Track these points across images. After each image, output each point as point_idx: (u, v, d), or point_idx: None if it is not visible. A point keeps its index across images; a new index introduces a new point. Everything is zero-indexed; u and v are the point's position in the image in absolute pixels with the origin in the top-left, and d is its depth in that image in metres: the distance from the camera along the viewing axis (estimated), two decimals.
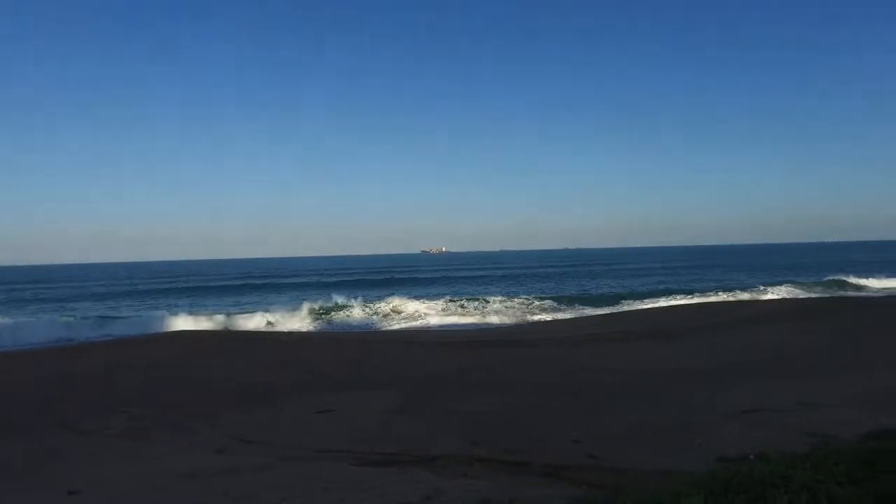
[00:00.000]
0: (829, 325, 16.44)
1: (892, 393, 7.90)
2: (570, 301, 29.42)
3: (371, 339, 18.43)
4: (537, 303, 28.77)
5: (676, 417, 7.03)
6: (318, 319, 25.42)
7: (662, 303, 27.65)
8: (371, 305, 27.86)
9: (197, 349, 15.66)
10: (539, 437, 6.45)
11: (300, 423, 7.62)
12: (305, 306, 26.35)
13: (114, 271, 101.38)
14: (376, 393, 9.23)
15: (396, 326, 23.94)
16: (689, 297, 29.75)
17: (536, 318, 24.83)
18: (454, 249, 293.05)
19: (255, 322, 23.85)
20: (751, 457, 4.00)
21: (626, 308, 26.47)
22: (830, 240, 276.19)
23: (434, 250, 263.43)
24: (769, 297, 29.34)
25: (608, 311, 25.23)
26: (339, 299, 28.98)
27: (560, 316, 24.94)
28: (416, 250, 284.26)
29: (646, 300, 29.21)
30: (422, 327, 23.34)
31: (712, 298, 28.85)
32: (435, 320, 24.92)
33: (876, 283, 34.86)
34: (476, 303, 28.49)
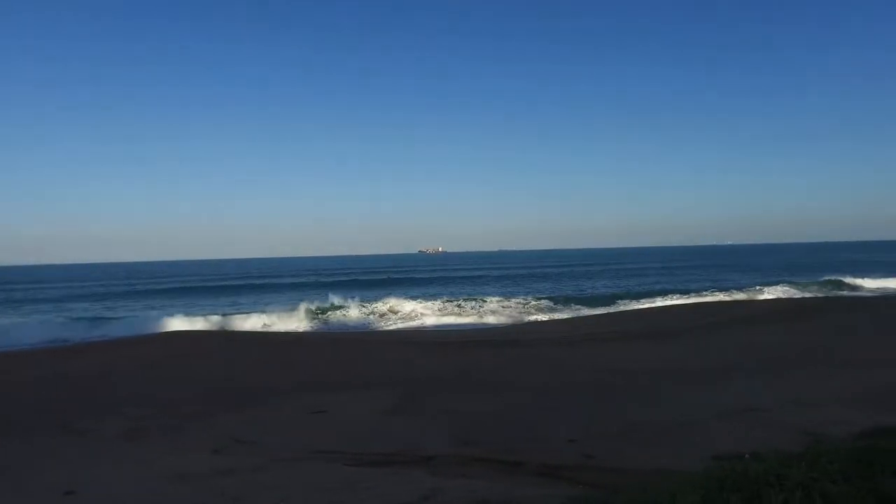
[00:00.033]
0: (824, 325, 16.51)
1: (886, 392, 7.93)
2: (566, 301, 29.45)
3: (367, 340, 18.42)
4: (534, 303, 28.80)
5: (672, 417, 7.05)
6: (314, 320, 25.41)
7: (659, 303, 27.72)
8: (368, 305, 27.84)
9: (193, 350, 15.63)
10: (535, 436, 6.45)
11: (296, 423, 7.61)
12: (302, 306, 26.33)
13: (110, 271, 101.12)
14: (372, 393, 9.22)
15: (393, 327, 23.94)
16: (686, 297, 29.82)
17: (533, 318, 24.85)
18: (451, 250, 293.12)
19: (251, 322, 23.82)
20: (746, 456, 4.00)
21: (622, 308, 26.52)
22: (831, 240, 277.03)
23: (431, 250, 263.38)
24: (765, 296, 29.44)
25: (604, 312, 25.27)
26: (336, 299, 28.97)
27: (557, 316, 24.97)
28: (414, 250, 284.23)
29: (642, 300, 29.26)
30: (418, 327, 23.34)
31: (708, 298, 28.93)
32: (432, 320, 24.92)
33: (871, 284, 35.01)
34: (473, 303, 28.51)
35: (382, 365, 12.47)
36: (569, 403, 8.18)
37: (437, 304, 28.34)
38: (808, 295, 30.30)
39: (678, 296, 30.37)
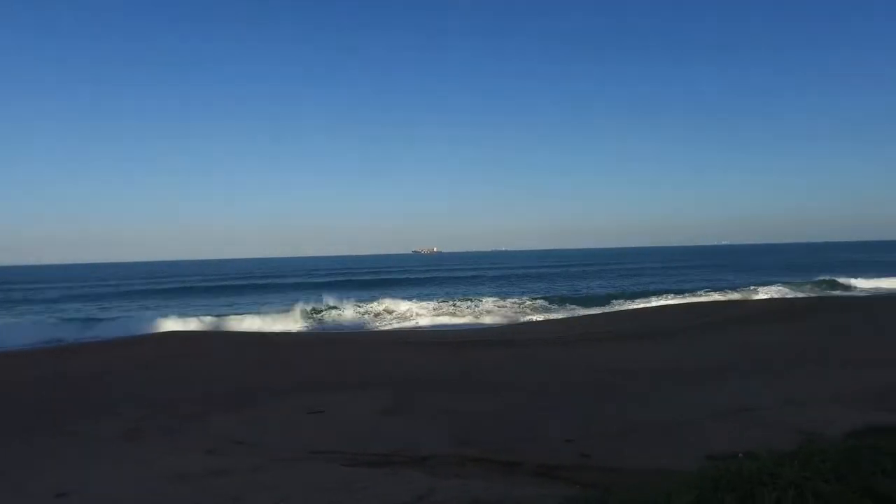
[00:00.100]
0: (817, 325, 16.61)
1: (879, 391, 7.99)
2: (561, 301, 29.52)
3: (363, 340, 18.41)
4: (529, 303, 28.85)
5: (667, 417, 7.09)
6: (309, 320, 25.39)
7: (654, 303, 27.82)
8: (363, 306, 27.84)
9: (188, 350, 15.59)
10: (531, 436, 6.48)
11: (292, 423, 7.61)
12: (297, 307, 26.31)
13: (109, 272, 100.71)
14: (368, 393, 9.23)
15: (388, 327, 23.94)
16: (681, 297, 29.94)
17: (528, 318, 24.90)
18: (445, 250, 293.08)
19: (246, 323, 23.78)
20: (740, 455, 4.04)
21: (617, 308, 26.61)
22: (831, 240, 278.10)
23: (426, 251, 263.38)
24: (759, 296, 29.58)
25: (599, 311, 25.35)
26: (331, 300, 28.94)
27: (552, 316, 25.02)
28: (408, 251, 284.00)
29: (637, 300, 29.37)
30: (414, 328, 23.35)
31: (703, 298, 29.05)
32: (427, 320, 24.93)
33: (864, 283, 35.26)
34: (468, 303, 28.53)
35: (378, 365, 12.48)
36: (565, 403, 8.21)
37: (433, 304, 28.36)
38: (801, 295, 30.46)
39: (673, 295, 30.50)
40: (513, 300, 29.54)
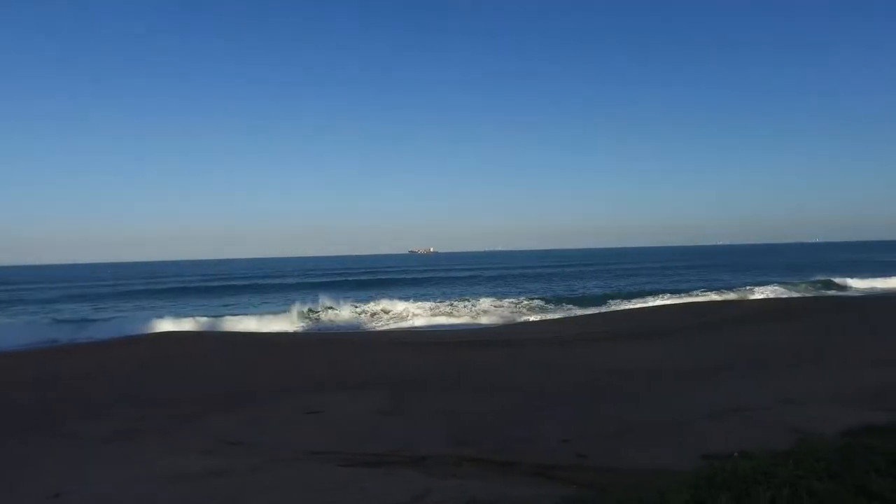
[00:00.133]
0: (813, 325, 16.68)
1: (874, 390, 8.03)
2: (558, 301, 29.58)
3: (360, 340, 18.40)
4: (526, 303, 28.88)
5: (663, 416, 7.11)
6: (306, 320, 25.37)
7: (650, 303, 27.89)
8: (360, 306, 27.83)
9: (184, 350, 15.56)
10: (528, 436, 6.49)
11: (288, 424, 7.60)
12: (294, 307, 26.29)
13: (109, 272, 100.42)
14: (365, 394, 9.23)
15: (385, 327, 23.94)
16: (677, 296, 30.02)
17: (525, 318, 24.92)
18: (442, 250, 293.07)
19: (243, 323, 23.75)
20: (735, 454, 4.06)
21: (613, 308, 26.66)
22: (831, 240, 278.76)
23: (422, 251, 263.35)
24: (755, 296, 29.68)
25: (595, 311, 25.39)
26: (328, 300, 28.93)
27: (549, 316, 25.06)
28: (405, 251, 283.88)
29: (633, 300, 29.44)
30: (410, 328, 23.36)
31: (699, 298, 29.13)
32: (423, 321, 24.94)
33: (860, 283, 35.41)
34: (465, 303, 28.55)
35: (376, 365, 12.48)
36: (562, 403, 8.22)
37: (430, 304, 28.36)
38: (797, 295, 30.58)
39: (669, 295, 30.58)
40: (510, 300, 29.56)
